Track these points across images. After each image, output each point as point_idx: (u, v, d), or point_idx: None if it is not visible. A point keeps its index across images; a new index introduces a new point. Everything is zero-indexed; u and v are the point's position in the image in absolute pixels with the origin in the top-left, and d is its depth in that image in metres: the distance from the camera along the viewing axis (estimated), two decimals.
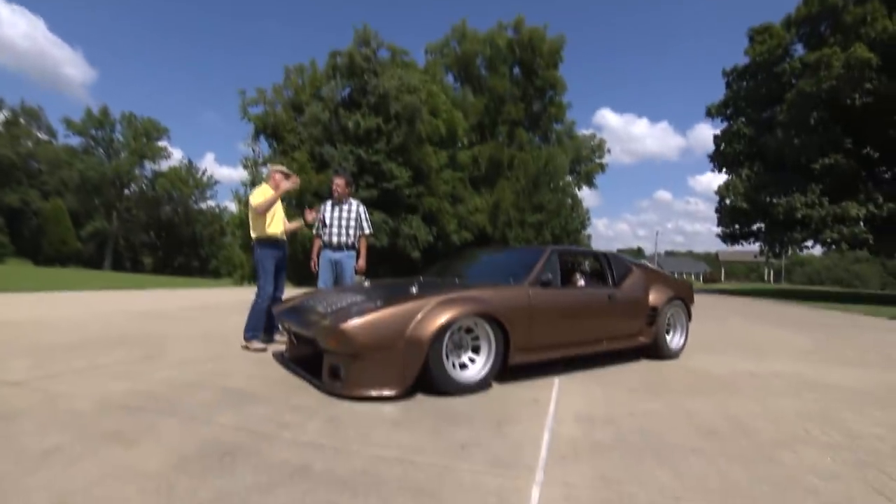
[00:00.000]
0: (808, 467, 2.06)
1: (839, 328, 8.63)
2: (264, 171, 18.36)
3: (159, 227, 47.14)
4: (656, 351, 4.44)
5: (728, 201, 23.90)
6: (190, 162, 49.73)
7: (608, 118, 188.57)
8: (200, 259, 47.59)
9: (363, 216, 4.80)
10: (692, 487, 1.82)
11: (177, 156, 77.15)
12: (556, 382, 3.42)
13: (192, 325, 5.56)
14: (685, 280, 5.43)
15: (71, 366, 3.27)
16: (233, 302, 8.55)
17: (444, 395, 2.89)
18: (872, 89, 18.28)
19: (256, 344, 4.15)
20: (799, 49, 23.22)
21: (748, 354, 5.11)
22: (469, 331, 3.13)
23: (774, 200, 21.12)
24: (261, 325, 4.28)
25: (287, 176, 4.53)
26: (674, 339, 4.67)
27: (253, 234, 4.37)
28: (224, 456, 1.91)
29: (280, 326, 4.06)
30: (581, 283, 4.32)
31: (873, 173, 21.61)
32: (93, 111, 45.13)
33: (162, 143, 47.45)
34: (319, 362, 2.96)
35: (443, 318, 2.84)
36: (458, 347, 3.11)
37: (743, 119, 24.77)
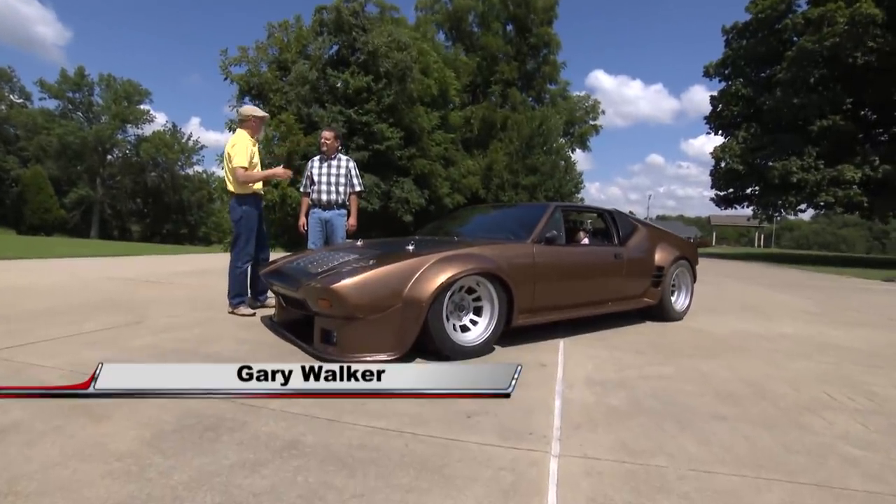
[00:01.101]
0: (841, 434, 1.91)
1: (835, 290, 8.60)
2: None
3: (146, 193, 45.84)
4: (662, 312, 4.28)
5: (723, 164, 23.59)
6: (174, 126, 47.81)
7: (601, 80, 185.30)
8: (189, 226, 46.64)
9: (353, 172, 4.51)
10: (722, 458, 1.66)
11: (160, 120, 74.62)
12: (561, 345, 3.26)
13: (180, 291, 5.32)
14: (689, 240, 5.23)
15: (46, 333, 3.04)
16: (223, 267, 8.28)
17: (444, 359, 2.71)
18: (876, 47, 17.78)
19: (244, 309, 3.94)
20: (802, 5, 22.45)
21: (751, 316, 5.00)
22: (470, 291, 2.93)
23: (770, 164, 20.88)
24: (245, 290, 4.06)
25: (261, 119, 4.19)
26: (679, 301, 4.53)
27: (239, 190, 3.98)
28: (205, 431, 1.72)
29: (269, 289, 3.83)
30: (585, 241, 4.12)
31: (870, 135, 21.37)
32: (67, 72, 43.22)
33: (144, 107, 45.63)
34: (310, 326, 2.76)
35: (443, 277, 2.62)
36: (459, 309, 2.91)
37: (741, 80, 24.17)
